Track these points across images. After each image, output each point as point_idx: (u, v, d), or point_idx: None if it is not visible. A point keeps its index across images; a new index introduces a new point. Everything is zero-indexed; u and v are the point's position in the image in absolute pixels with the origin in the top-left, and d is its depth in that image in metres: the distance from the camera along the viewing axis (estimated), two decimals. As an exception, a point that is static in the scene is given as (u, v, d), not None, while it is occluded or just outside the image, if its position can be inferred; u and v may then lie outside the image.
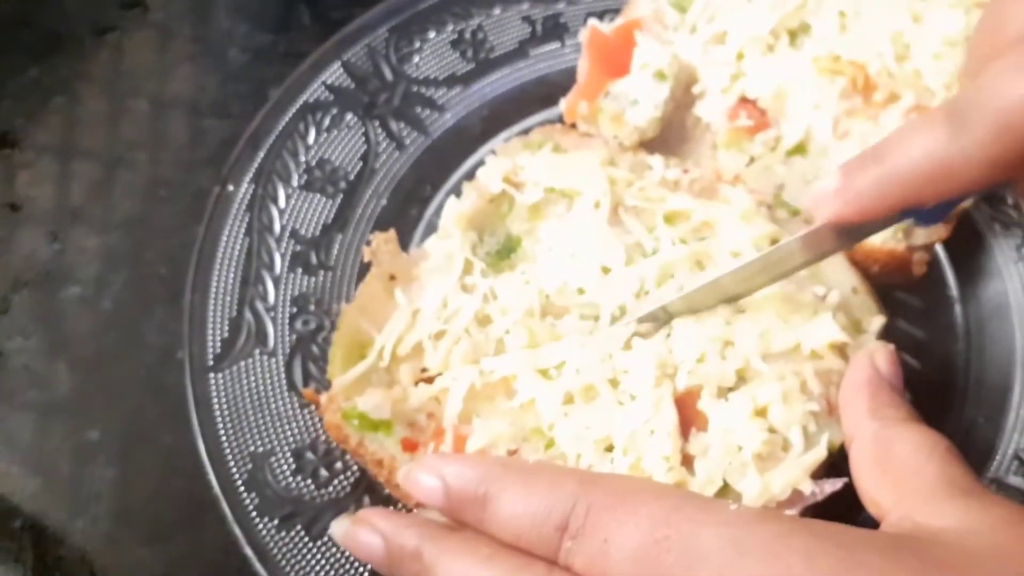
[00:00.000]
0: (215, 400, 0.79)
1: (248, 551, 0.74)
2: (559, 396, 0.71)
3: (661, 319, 0.74)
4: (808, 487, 0.67)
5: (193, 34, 1.04)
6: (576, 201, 0.79)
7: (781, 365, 0.71)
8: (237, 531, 0.75)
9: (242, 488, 0.76)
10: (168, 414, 0.83)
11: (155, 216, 0.94)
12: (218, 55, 1.02)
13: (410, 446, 0.73)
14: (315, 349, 0.82)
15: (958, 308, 0.86)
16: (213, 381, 0.80)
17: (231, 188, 0.87)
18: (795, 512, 0.67)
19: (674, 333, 0.73)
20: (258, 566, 0.74)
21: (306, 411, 0.80)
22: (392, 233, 0.80)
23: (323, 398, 0.75)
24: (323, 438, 0.78)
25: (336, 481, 0.77)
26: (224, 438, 0.78)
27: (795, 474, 0.67)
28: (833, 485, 0.68)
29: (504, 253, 0.79)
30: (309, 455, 0.78)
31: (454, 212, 0.79)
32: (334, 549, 0.75)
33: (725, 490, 0.68)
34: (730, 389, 0.71)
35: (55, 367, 0.87)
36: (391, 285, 0.78)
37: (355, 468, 0.78)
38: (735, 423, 0.69)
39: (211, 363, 0.80)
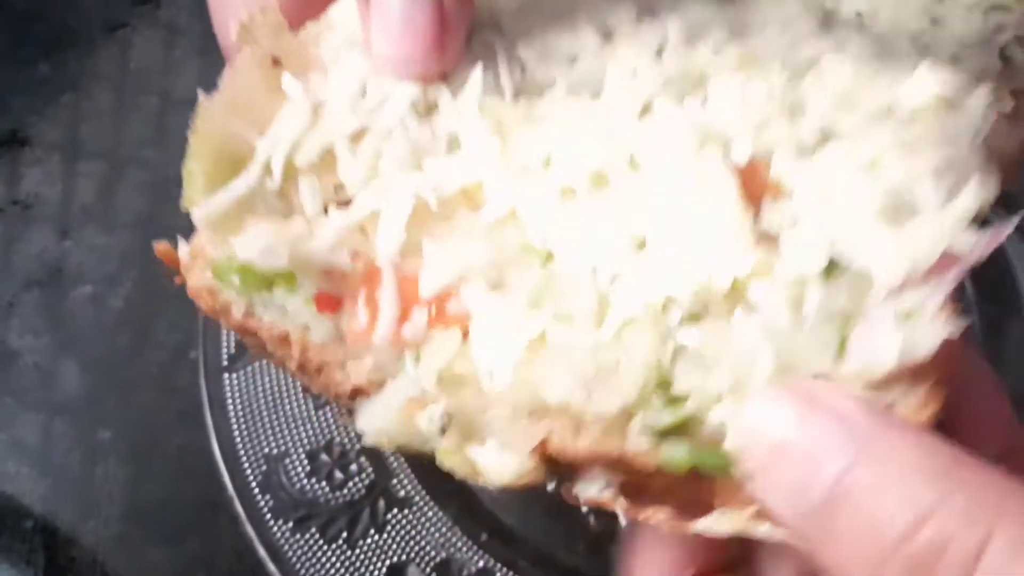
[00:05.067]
0: (229, 401, 0.78)
1: (262, 553, 0.74)
2: (552, 193, 0.49)
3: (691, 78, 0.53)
4: (966, 240, 0.46)
5: (203, 30, 1.03)
6: None
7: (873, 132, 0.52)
8: (251, 533, 0.74)
9: (256, 490, 0.76)
10: (181, 414, 0.82)
11: (166, 214, 0.93)
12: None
13: (328, 303, 0.49)
14: (330, 349, 0.82)
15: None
16: (227, 382, 0.79)
17: (246, 187, 0.86)
18: (943, 293, 0.47)
19: (712, 98, 0.52)
20: (272, 568, 0.73)
21: (321, 412, 0.79)
22: (274, 5, 0.55)
23: (182, 252, 0.52)
24: (338, 439, 0.78)
25: (351, 483, 0.77)
26: (239, 439, 0.77)
27: (947, 226, 0.47)
28: (999, 234, 0.47)
29: None
30: (324, 457, 0.78)
31: None
32: (348, 552, 0.74)
33: (833, 269, 0.47)
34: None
35: (65, 366, 0.86)
36: (275, 72, 0.53)
37: (370, 470, 0.77)
38: (835, 182, 0.49)
39: (225, 363, 0.80)
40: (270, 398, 0.79)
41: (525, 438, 0.46)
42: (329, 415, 0.79)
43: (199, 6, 1.04)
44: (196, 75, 1.01)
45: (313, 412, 0.79)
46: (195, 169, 0.52)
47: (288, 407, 0.79)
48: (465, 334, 0.48)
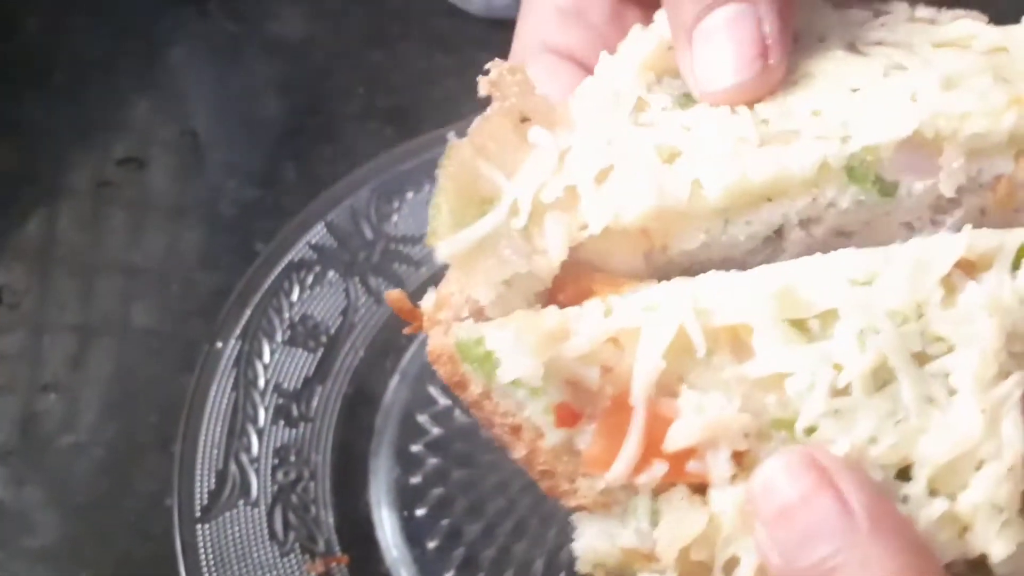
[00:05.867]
0: (201, 549, 0.84)
1: None
2: (827, 371, 0.45)
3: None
4: None
5: (185, 188, 1.10)
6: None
7: None
8: None
9: (225, 638, 0.81)
10: (156, 561, 0.88)
11: (147, 366, 0.99)
12: (208, 209, 1.09)
13: (568, 418, 0.48)
14: (294, 499, 0.88)
15: None
16: (200, 532, 0.85)
17: (220, 345, 0.93)
18: None
19: None
20: None
21: (285, 559, 0.85)
22: (520, 65, 0.57)
23: (427, 301, 0.52)
24: (301, 584, 0.84)
25: (313, 628, 0.82)
26: (209, 588, 0.83)
27: None
28: None
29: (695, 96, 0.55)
30: (287, 602, 0.83)
31: (627, 55, 0.57)
32: None
33: None
34: None
35: (49, 513, 0.92)
36: (523, 128, 0.54)
37: (332, 615, 0.83)
38: None
39: (199, 514, 0.85)
40: (239, 546, 0.85)
41: None
42: (293, 561, 0.84)
43: (180, 165, 1.12)
44: (177, 232, 1.08)
45: (279, 559, 0.85)
46: (442, 205, 0.51)
47: (256, 555, 0.85)
48: (698, 492, 0.47)
